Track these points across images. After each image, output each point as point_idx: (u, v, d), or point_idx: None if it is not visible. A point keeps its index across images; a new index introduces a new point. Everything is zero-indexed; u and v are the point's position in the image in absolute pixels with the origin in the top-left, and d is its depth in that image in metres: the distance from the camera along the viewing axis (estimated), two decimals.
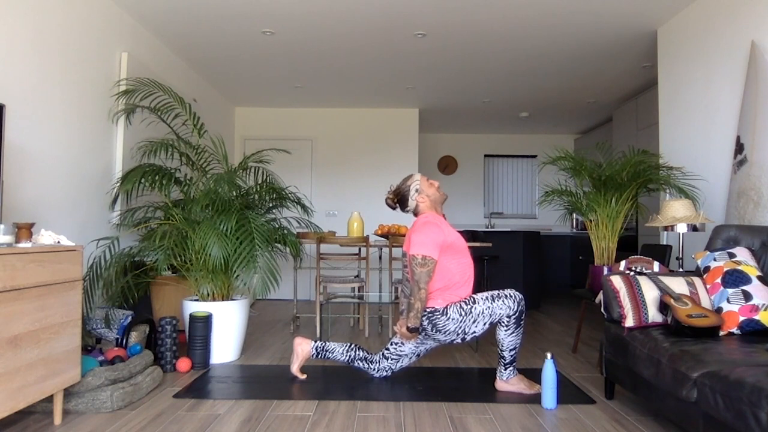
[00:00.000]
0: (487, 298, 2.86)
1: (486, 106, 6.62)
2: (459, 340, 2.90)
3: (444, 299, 2.90)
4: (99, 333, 3.15)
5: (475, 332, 2.86)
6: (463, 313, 2.85)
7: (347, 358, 3.09)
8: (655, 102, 5.16)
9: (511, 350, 2.85)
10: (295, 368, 3.10)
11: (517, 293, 2.86)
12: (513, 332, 2.83)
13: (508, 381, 2.86)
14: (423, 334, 2.93)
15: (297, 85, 5.85)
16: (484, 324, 2.85)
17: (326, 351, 3.11)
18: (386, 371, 3.09)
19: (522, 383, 2.86)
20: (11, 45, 2.79)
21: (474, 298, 2.88)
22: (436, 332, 2.89)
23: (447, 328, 2.87)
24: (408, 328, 2.83)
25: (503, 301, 2.83)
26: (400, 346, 3.06)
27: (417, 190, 3.03)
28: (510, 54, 4.75)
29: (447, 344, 3.12)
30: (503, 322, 2.84)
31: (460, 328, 2.86)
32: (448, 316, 2.85)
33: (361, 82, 5.72)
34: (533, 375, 3.18)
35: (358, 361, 3.09)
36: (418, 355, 3.09)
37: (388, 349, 3.08)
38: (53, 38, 3.13)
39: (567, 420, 2.45)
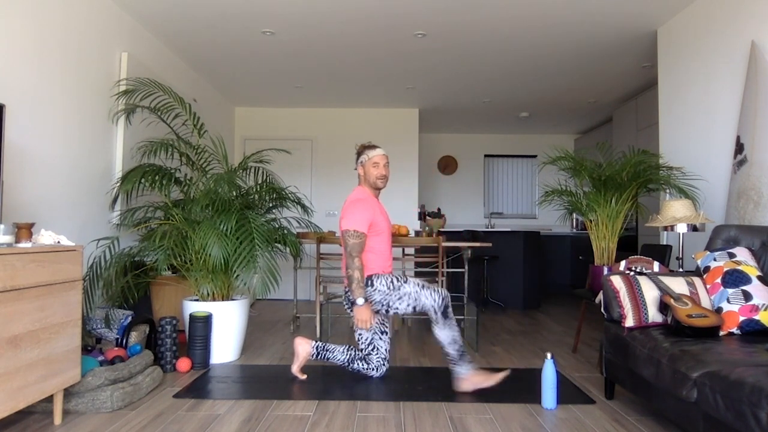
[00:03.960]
0: (417, 283, 2.97)
1: (486, 106, 6.62)
2: (384, 311, 3.03)
3: (367, 269, 3.01)
4: (99, 333, 3.15)
5: (397, 309, 2.98)
6: (391, 288, 2.97)
7: (347, 357, 3.10)
8: (655, 102, 5.16)
9: (451, 344, 2.87)
10: (295, 368, 3.10)
11: (444, 290, 2.95)
12: (443, 326, 2.89)
13: (467, 378, 2.84)
14: (352, 307, 3.00)
15: (297, 85, 5.85)
16: (407, 305, 2.96)
17: (326, 351, 3.11)
18: (381, 365, 3.11)
19: (481, 376, 2.85)
20: (11, 45, 2.79)
21: (406, 278, 3.00)
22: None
23: (372, 297, 2.99)
24: (354, 302, 2.92)
25: (430, 293, 2.92)
26: (362, 335, 3.12)
27: (361, 162, 3.17)
28: (510, 54, 4.75)
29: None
30: (432, 317, 2.91)
31: (386, 300, 2.98)
32: (375, 287, 2.99)
33: (361, 82, 5.72)
34: (533, 375, 3.18)
35: (357, 361, 3.09)
36: (385, 332, 3.14)
37: (360, 349, 3.13)
38: (53, 38, 3.13)
39: (567, 420, 2.45)
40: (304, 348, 3.11)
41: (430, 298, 2.91)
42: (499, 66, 5.08)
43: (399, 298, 2.97)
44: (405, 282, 2.98)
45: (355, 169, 3.22)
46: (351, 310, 3.03)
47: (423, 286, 2.95)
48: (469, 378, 2.83)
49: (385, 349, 3.13)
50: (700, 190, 3.60)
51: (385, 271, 3.08)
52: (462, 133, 8.37)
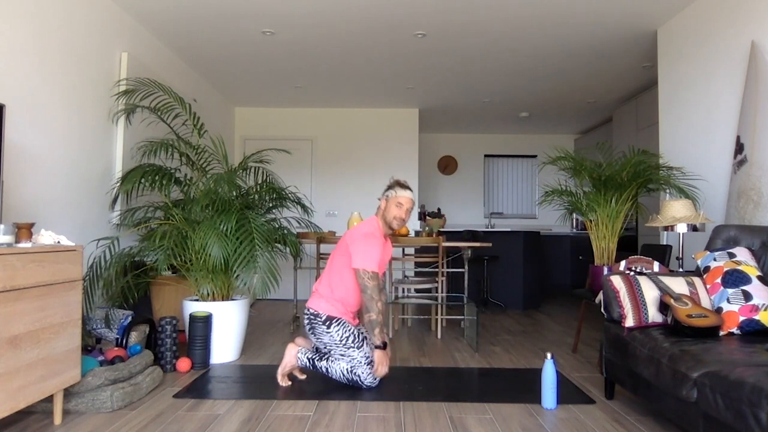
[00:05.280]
0: (366, 355, 2.88)
1: (486, 106, 6.62)
2: (323, 350, 2.97)
3: (332, 308, 2.93)
4: (99, 333, 3.15)
5: (333, 359, 2.90)
6: (344, 340, 2.88)
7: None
8: (655, 102, 5.16)
9: (323, 372, 2.91)
10: (278, 375, 3.01)
11: (373, 384, 2.87)
12: (329, 369, 2.89)
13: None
14: (311, 333, 2.97)
15: (297, 85, 5.85)
16: (341, 364, 2.87)
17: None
18: (372, 382, 2.93)
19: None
20: (11, 45, 2.79)
21: (364, 345, 2.90)
22: (311, 332, 2.96)
23: (321, 338, 2.92)
24: (375, 346, 2.86)
25: (369, 371, 2.85)
26: (350, 358, 2.95)
27: (386, 196, 3.06)
28: (510, 54, 4.75)
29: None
30: (345, 381, 2.87)
31: (330, 347, 2.91)
32: (330, 330, 2.89)
33: (361, 82, 5.72)
34: (533, 375, 3.18)
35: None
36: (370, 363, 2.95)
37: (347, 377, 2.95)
38: (53, 38, 3.13)
39: (567, 420, 2.45)
40: (290, 353, 3.03)
41: (364, 374, 2.85)
42: (499, 66, 5.08)
43: (342, 355, 2.88)
44: (359, 348, 2.88)
45: (379, 198, 3.12)
46: (313, 334, 2.96)
47: (369, 362, 2.88)
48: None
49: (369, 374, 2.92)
50: (700, 190, 3.60)
51: (351, 322, 2.97)
52: (462, 133, 8.37)
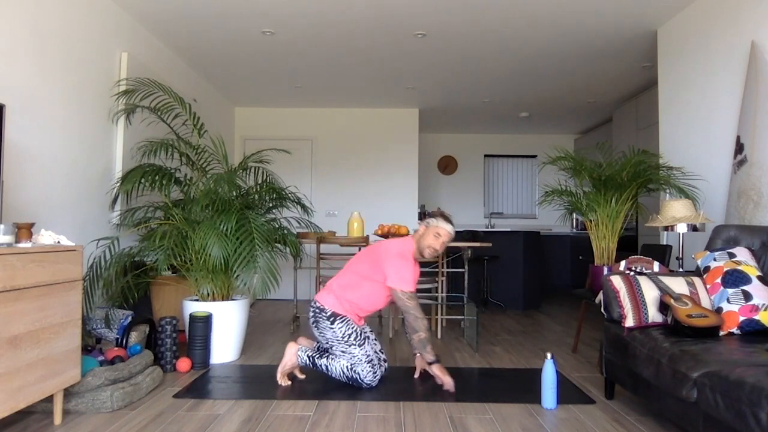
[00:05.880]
0: (367, 354, 2.90)
1: (486, 106, 6.62)
2: (324, 345, 3.01)
3: (339, 306, 2.95)
4: (99, 333, 3.15)
5: (333, 357, 2.92)
6: (346, 337, 2.90)
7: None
8: (655, 102, 5.16)
9: (319, 362, 2.94)
10: (278, 374, 3.02)
11: (376, 380, 2.90)
12: (328, 367, 2.91)
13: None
14: (314, 326, 2.99)
15: (297, 85, 5.85)
16: (341, 361, 2.89)
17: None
18: (373, 379, 2.92)
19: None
20: (11, 45, 2.78)
21: (365, 343, 2.92)
22: (314, 326, 2.98)
23: (324, 333, 2.94)
24: (429, 362, 2.89)
25: (371, 368, 2.88)
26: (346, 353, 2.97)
27: (427, 223, 3.06)
28: (510, 54, 4.75)
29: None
30: (345, 378, 2.89)
31: (332, 342, 2.93)
32: (333, 326, 2.91)
33: (361, 82, 5.71)
34: (533, 375, 3.18)
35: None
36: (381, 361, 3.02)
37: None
38: (53, 38, 3.13)
39: (567, 420, 2.45)
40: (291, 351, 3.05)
41: (364, 372, 2.86)
42: (499, 66, 5.08)
43: (342, 352, 2.90)
44: (361, 346, 2.90)
45: (419, 222, 3.14)
46: (316, 328, 2.98)
47: (370, 361, 2.90)
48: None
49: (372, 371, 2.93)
50: (700, 190, 3.60)
51: (356, 321, 2.99)
52: (462, 133, 8.37)
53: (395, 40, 4.46)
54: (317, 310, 2.97)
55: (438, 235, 3.02)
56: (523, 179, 8.44)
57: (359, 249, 5.15)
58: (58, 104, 3.19)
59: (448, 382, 2.85)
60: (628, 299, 2.52)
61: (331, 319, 2.92)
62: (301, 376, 3.08)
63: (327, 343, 2.96)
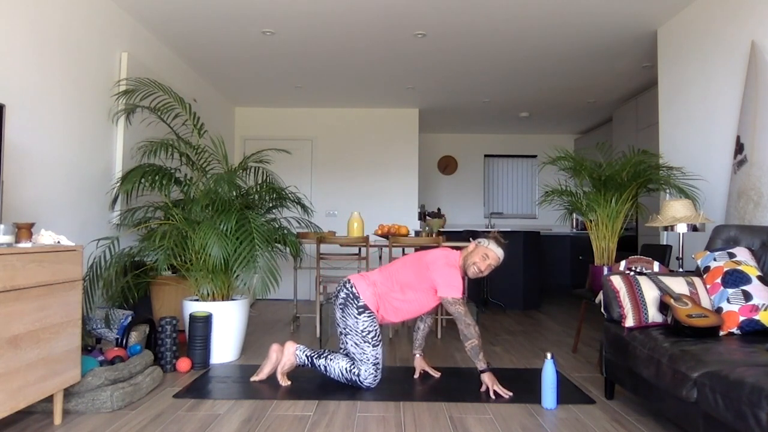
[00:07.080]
0: (377, 356, 2.90)
1: (486, 106, 6.62)
2: (340, 330, 2.98)
3: (374, 302, 2.95)
4: (99, 333, 3.15)
5: (332, 357, 2.93)
6: (365, 332, 2.90)
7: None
8: (655, 102, 5.16)
9: (317, 362, 2.95)
10: (278, 374, 3.02)
11: (372, 386, 2.90)
12: (327, 368, 2.92)
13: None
14: (341, 307, 2.97)
15: (297, 85, 5.85)
16: (341, 362, 2.90)
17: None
18: (374, 379, 2.92)
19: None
20: (11, 45, 2.78)
21: (379, 345, 2.93)
22: (340, 308, 2.96)
23: (346, 319, 2.93)
24: (481, 370, 2.85)
25: (374, 370, 2.88)
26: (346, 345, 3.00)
27: (479, 242, 3.03)
28: (510, 54, 4.75)
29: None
30: (342, 377, 2.89)
31: (349, 330, 2.92)
32: (360, 317, 2.91)
33: (361, 82, 5.71)
34: (533, 375, 3.18)
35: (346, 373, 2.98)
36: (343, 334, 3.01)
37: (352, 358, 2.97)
38: (53, 38, 3.13)
39: (567, 420, 2.45)
40: (280, 352, 3.07)
41: (368, 372, 2.87)
42: (499, 66, 5.08)
43: (355, 344, 2.89)
44: (374, 345, 2.90)
45: (469, 240, 3.11)
46: (340, 309, 2.98)
47: (376, 363, 2.89)
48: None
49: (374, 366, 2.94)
50: (700, 190, 3.60)
51: (384, 320, 3.02)
52: (462, 133, 8.37)
53: (395, 40, 4.46)
54: (351, 295, 2.95)
55: (486, 257, 2.97)
56: (523, 179, 8.44)
57: (359, 249, 5.15)
58: (58, 104, 3.19)
59: (496, 388, 2.79)
60: (628, 299, 2.52)
61: (361, 310, 2.92)
62: (285, 383, 2.99)
63: (345, 329, 2.94)
